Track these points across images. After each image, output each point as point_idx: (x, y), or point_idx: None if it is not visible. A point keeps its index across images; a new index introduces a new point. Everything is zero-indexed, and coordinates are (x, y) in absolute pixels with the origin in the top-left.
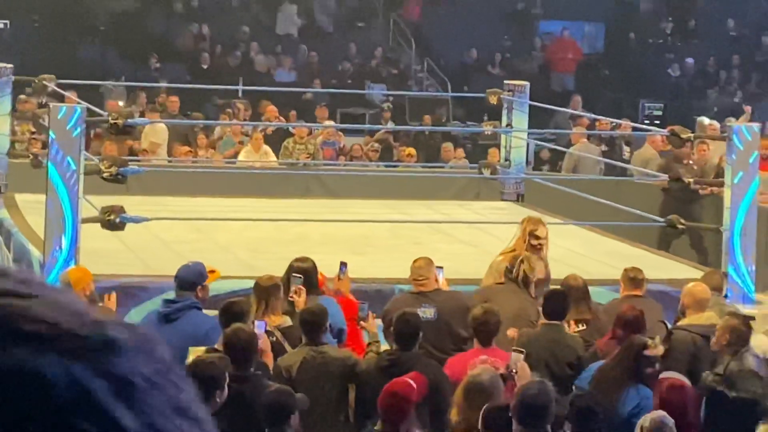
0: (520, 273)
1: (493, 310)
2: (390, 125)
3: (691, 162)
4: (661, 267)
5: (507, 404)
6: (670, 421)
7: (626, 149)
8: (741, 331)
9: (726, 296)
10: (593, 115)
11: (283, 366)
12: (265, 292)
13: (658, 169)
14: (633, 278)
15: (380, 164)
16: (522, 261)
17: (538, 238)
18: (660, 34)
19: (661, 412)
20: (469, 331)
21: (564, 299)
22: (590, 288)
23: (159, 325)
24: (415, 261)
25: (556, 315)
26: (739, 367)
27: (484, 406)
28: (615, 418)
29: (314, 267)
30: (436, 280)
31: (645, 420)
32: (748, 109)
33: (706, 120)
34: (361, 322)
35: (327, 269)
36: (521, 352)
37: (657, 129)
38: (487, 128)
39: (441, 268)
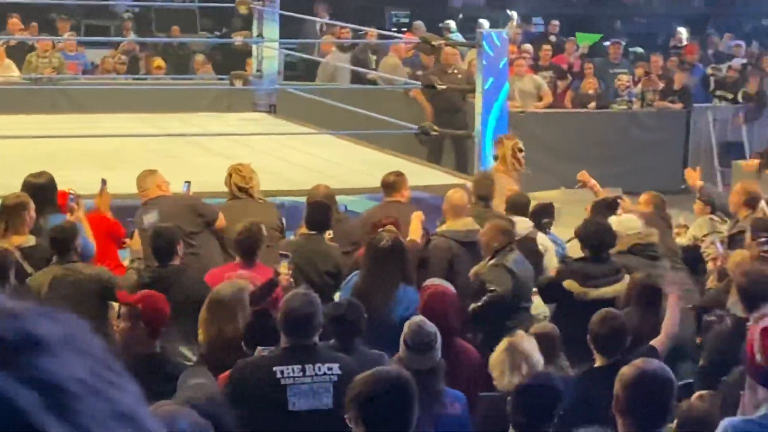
0: (232, 185)
1: (253, 225)
2: (132, 36)
3: (456, 71)
4: (419, 174)
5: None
6: (429, 325)
7: (373, 57)
8: (507, 233)
9: None
10: (342, 24)
11: (33, 285)
12: (9, 211)
13: (409, 76)
14: (392, 182)
15: (129, 77)
16: (231, 174)
17: (522, 150)
18: None
19: (420, 317)
20: (199, 227)
21: (326, 210)
22: (349, 197)
23: None
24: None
25: (317, 226)
26: (497, 262)
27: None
28: (386, 324)
29: (51, 183)
30: (161, 187)
31: (405, 327)
32: (513, 14)
33: (452, 24)
34: (127, 240)
35: (80, 187)
36: (286, 255)
37: (403, 36)
38: (238, 39)
39: (188, 182)
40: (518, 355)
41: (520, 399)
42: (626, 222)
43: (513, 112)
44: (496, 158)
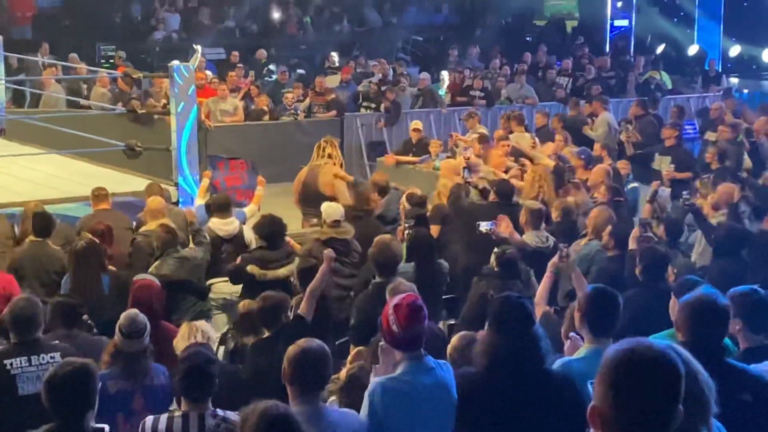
0: None
1: None
2: None
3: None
4: (127, 182)
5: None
6: (141, 317)
7: (84, 86)
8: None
9: (178, 202)
10: (60, 62)
11: None
12: None
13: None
14: (98, 195)
15: None
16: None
17: (330, 156)
18: None
19: (135, 311)
20: None
21: (49, 219)
22: (70, 204)
23: None
24: None
25: (42, 233)
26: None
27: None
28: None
29: None
30: None
31: (121, 318)
32: (198, 48)
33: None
34: None
35: None
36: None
37: (115, 71)
38: None
39: None
40: (193, 335)
41: (184, 375)
42: (330, 208)
43: (203, 127)
44: (330, 156)
